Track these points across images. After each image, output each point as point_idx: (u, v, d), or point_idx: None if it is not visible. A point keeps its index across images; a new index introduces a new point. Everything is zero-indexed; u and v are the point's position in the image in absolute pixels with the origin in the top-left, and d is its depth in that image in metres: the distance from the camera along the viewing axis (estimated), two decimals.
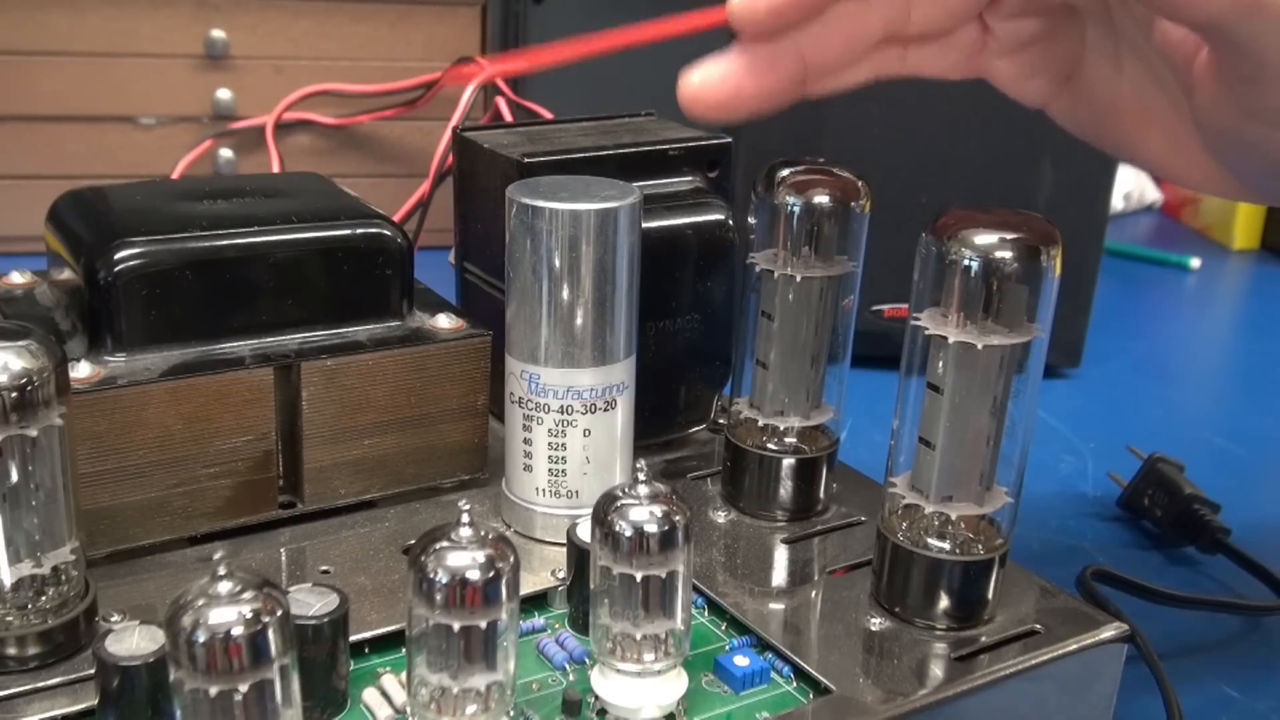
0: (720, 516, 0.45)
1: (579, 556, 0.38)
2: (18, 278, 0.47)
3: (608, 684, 0.34)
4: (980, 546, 0.39)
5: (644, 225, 0.42)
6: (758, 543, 0.44)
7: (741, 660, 0.37)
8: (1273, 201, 0.42)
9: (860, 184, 0.43)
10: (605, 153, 0.48)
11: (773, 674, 0.37)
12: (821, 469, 0.45)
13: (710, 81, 0.37)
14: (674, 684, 0.35)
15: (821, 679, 0.36)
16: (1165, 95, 0.40)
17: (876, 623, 0.39)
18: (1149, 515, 0.57)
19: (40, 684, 0.34)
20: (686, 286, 0.49)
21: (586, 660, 0.37)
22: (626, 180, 0.43)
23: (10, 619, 0.35)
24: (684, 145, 0.49)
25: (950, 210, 0.38)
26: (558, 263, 0.40)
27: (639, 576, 0.33)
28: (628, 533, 0.33)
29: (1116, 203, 1.12)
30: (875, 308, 0.72)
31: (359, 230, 0.44)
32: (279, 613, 0.28)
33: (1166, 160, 0.41)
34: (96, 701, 0.33)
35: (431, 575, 0.30)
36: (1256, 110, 0.36)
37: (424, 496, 0.46)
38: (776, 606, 0.40)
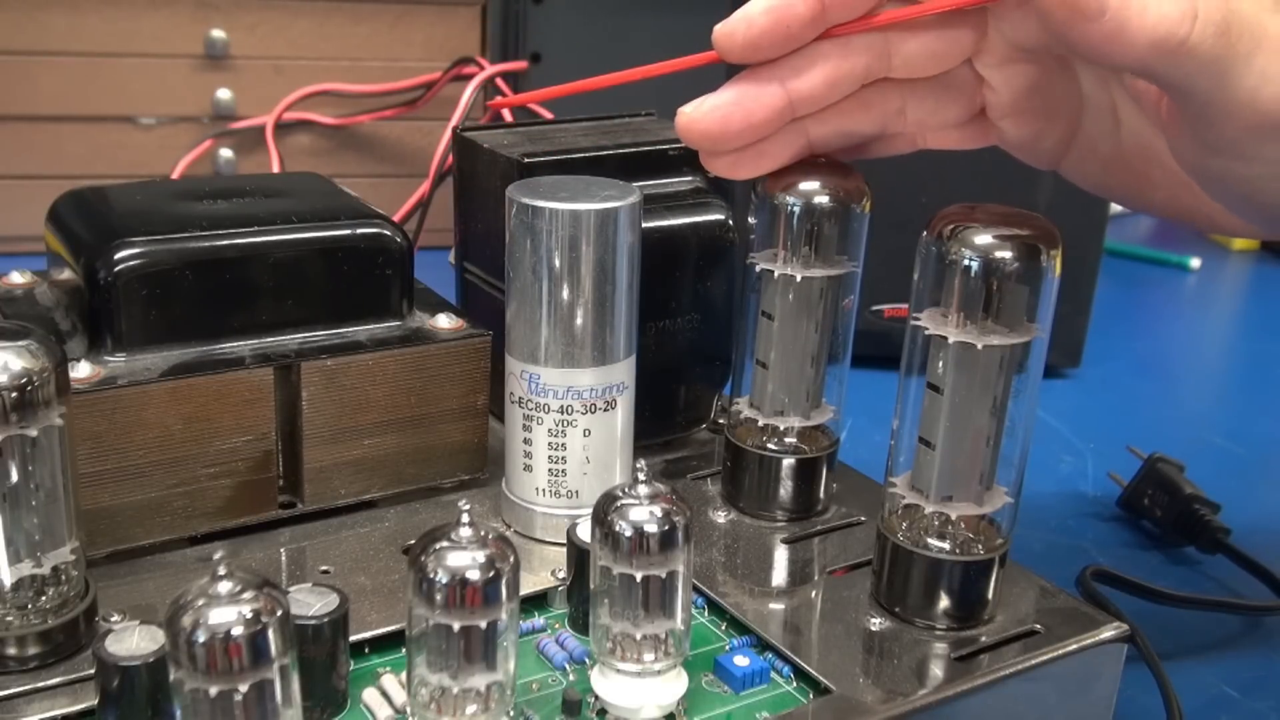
0: (720, 516, 0.45)
1: (579, 556, 0.38)
2: (18, 278, 0.47)
3: (608, 684, 0.34)
4: (980, 546, 0.39)
5: (644, 225, 0.42)
6: (758, 543, 0.44)
7: (741, 660, 0.37)
8: (1275, 234, 0.42)
9: (860, 184, 0.43)
10: (605, 153, 0.48)
11: (773, 674, 0.37)
12: (821, 469, 0.45)
13: (700, 111, 0.39)
14: (674, 684, 0.35)
15: (821, 679, 0.36)
16: (1161, 141, 0.40)
17: (876, 623, 0.39)
18: (1149, 515, 0.57)
19: (40, 684, 0.34)
20: (686, 286, 0.49)
21: (586, 660, 0.37)
22: (626, 180, 0.43)
23: (10, 619, 0.35)
24: (684, 145, 0.49)
25: (950, 210, 0.38)
26: (558, 263, 0.40)
27: (639, 576, 0.33)
28: (628, 533, 0.33)
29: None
30: (875, 308, 0.72)
31: (359, 230, 0.44)
32: (279, 613, 0.28)
33: (1173, 205, 0.42)
34: (96, 701, 0.33)
35: (431, 575, 0.30)
36: (1213, 145, 0.37)
37: (424, 496, 0.46)
38: (776, 606, 0.40)
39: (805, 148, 0.41)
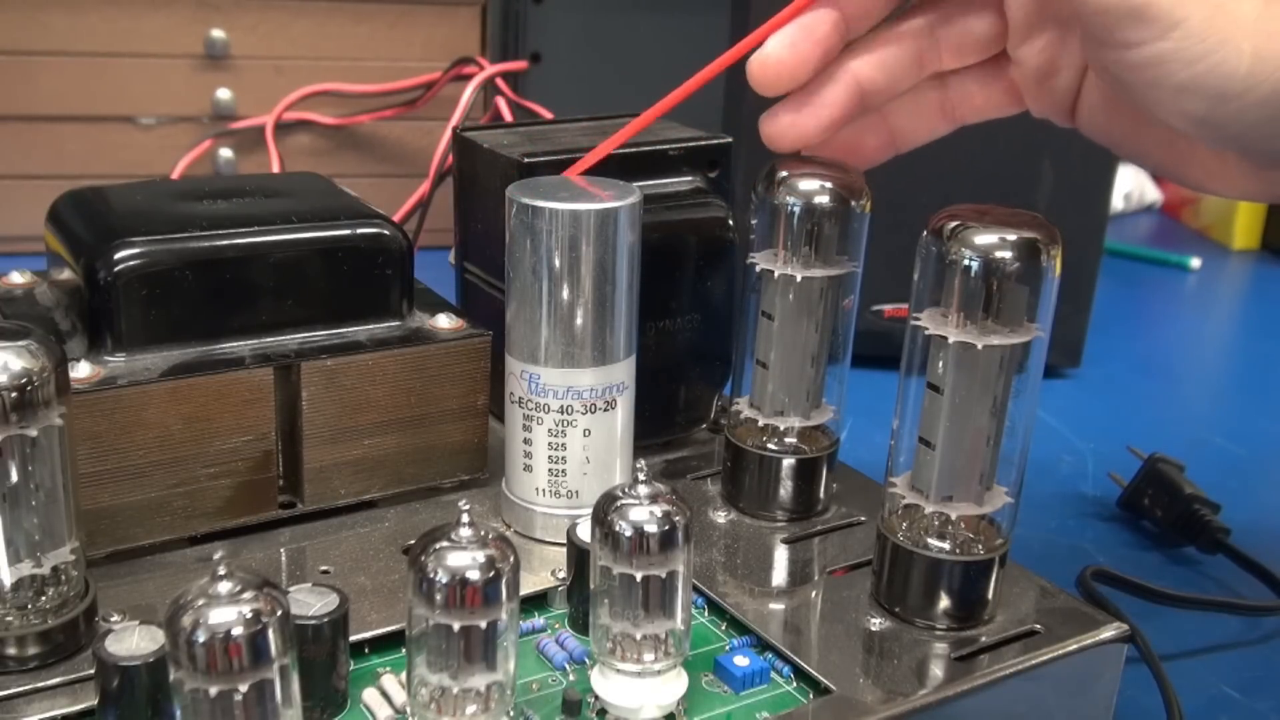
0: (720, 516, 0.45)
1: (579, 556, 0.38)
2: (18, 278, 0.47)
3: (608, 684, 0.34)
4: (980, 546, 0.39)
5: (644, 225, 0.42)
6: (758, 543, 0.44)
7: (741, 660, 0.37)
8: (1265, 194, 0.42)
9: (860, 184, 0.43)
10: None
11: (773, 674, 0.37)
12: (821, 469, 0.45)
13: (769, 48, 0.40)
14: (674, 684, 0.35)
15: (821, 679, 0.36)
16: None
17: (876, 623, 0.39)
18: (1149, 515, 0.57)
19: (40, 684, 0.34)
20: (686, 286, 0.49)
21: (586, 660, 0.37)
22: (626, 180, 0.43)
23: (10, 619, 0.35)
24: (684, 145, 0.49)
25: (950, 210, 0.38)
26: (558, 263, 0.40)
27: (639, 576, 0.33)
28: (628, 533, 0.33)
29: (1116, 203, 1.12)
30: (875, 308, 0.72)
31: (359, 230, 0.44)
32: (279, 613, 0.28)
33: (1169, 151, 0.41)
34: (96, 701, 0.33)
35: (431, 575, 0.30)
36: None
37: (424, 496, 0.46)
38: (776, 606, 0.40)
39: (856, 94, 0.41)
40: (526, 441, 0.42)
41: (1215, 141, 0.38)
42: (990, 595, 0.39)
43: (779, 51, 0.40)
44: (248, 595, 0.28)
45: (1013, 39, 0.41)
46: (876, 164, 0.44)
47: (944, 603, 0.39)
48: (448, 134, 0.79)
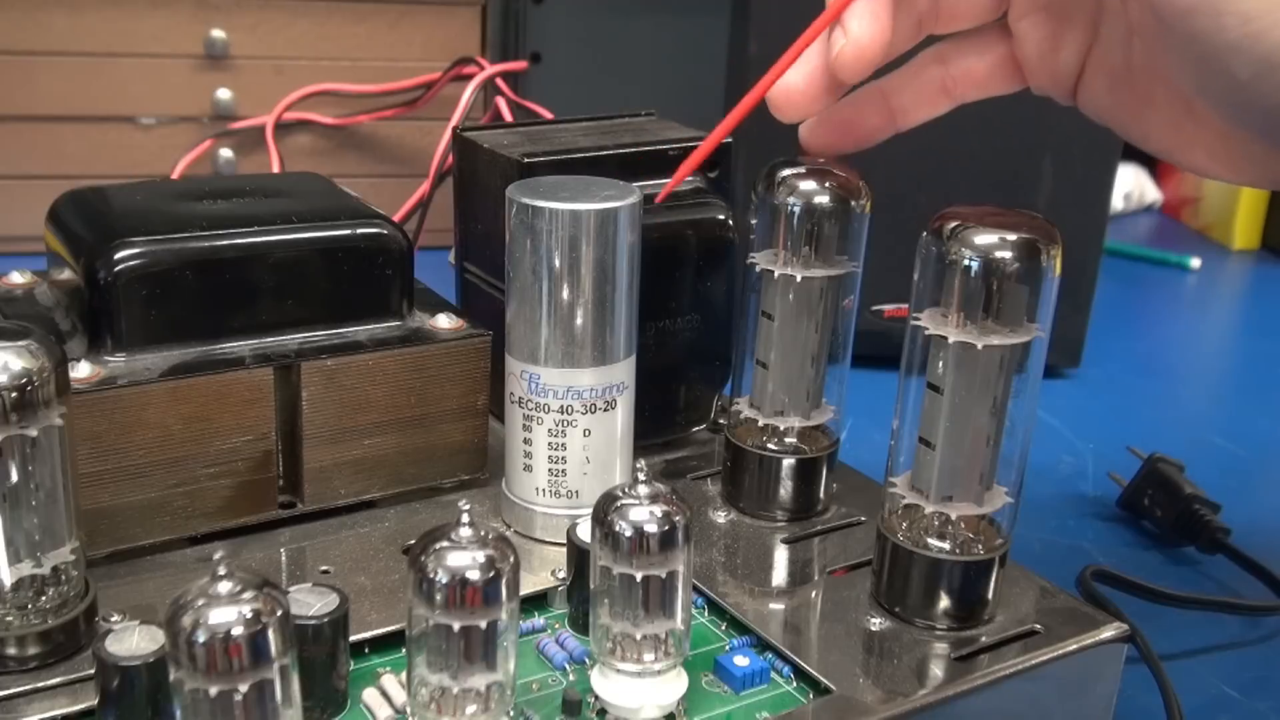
0: (720, 516, 0.45)
1: (579, 556, 0.38)
2: (18, 278, 0.47)
3: (608, 684, 0.34)
4: (980, 546, 0.39)
5: (644, 225, 0.42)
6: (758, 543, 0.44)
7: (741, 660, 0.37)
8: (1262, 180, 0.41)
9: (860, 184, 0.43)
10: (605, 153, 0.48)
11: (773, 674, 0.37)
12: (821, 469, 0.45)
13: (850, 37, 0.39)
14: (674, 684, 0.35)
15: (821, 679, 0.36)
16: (1167, 55, 0.39)
17: (876, 623, 0.39)
18: (1149, 515, 0.57)
19: (40, 684, 0.34)
20: (686, 286, 0.49)
21: (586, 660, 0.37)
22: (626, 180, 0.43)
23: (10, 619, 0.35)
24: (684, 145, 0.49)
25: (950, 210, 0.38)
26: (558, 263, 0.40)
27: (639, 576, 0.33)
28: (628, 533, 0.33)
29: (1116, 203, 1.12)
30: (875, 308, 0.72)
31: (359, 230, 0.44)
32: (279, 613, 0.28)
33: (1171, 134, 0.41)
34: (96, 701, 0.33)
35: (431, 575, 0.30)
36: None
37: (424, 496, 0.46)
38: (776, 606, 0.40)
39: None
40: (526, 441, 0.42)
41: (1240, 116, 0.37)
42: (990, 595, 0.39)
43: (872, 31, 0.39)
44: (248, 595, 0.28)
45: (1013, 11, 0.41)
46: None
47: (944, 603, 0.39)
48: (448, 134, 0.79)
